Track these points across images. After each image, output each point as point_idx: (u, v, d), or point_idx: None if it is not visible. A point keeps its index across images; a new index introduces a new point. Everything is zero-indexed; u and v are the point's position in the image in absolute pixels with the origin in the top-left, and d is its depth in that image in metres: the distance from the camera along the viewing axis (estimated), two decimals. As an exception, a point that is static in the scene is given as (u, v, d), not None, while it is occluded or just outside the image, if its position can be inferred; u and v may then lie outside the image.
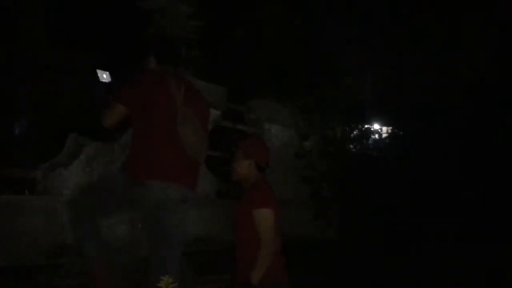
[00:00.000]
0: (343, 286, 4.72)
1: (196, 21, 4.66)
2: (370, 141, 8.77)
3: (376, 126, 10.26)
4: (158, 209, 2.62)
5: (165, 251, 2.67)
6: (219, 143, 5.04)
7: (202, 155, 2.81)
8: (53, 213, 3.14)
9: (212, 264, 4.03)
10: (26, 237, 2.98)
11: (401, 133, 9.10)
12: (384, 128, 9.96)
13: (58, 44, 6.09)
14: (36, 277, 3.01)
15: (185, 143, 2.59)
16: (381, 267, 5.08)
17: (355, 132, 8.55)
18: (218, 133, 4.81)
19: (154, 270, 2.60)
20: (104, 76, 2.69)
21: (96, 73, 2.67)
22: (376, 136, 8.96)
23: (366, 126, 9.06)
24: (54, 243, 3.11)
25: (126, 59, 2.74)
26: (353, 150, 8.41)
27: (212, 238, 4.24)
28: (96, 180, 2.85)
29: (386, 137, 9.29)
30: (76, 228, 2.69)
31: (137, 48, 2.81)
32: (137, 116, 2.68)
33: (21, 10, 6.54)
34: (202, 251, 4.08)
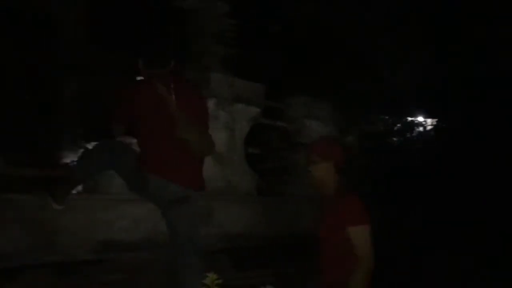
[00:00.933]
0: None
1: (232, 19, 4.69)
2: (414, 134, 8.60)
3: (420, 119, 10.02)
4: (159, 204, 2.76)
5: (176, 246, 2.79)
6: (259, 141, 5.08)
7: (209, 150, 2.87)
8: (100, 211, 3.25)
9: (253, 260, 4.06)
10: (75, 233, 3.10)
11: (446, 125, 8.86)
12: (429, 120, 9.73)
13: (99, 45, 6.27)
14: (84, 272, 3.12)
15: (189, 144, 2.68)
16: (419, 264, 4.95)
17: (398, 126, 8.40)
18: (258, 130, 4.84)
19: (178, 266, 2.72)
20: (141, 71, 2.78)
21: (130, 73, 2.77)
22: (420, 128, 8.77)
23: (409, 119, 8.88)
24: (101, 239, 3.22)
25: (162, 59, 2.80)
26: (396, 143, 8.27)
27: (253, 234, 4.27)
28: (123, 145, 2.92)
29: (430, 130, 9.08)
30: (89, 158, 2.78)
31: (173, 48, 2.87)
32: (138, 119, 2.80)
33: (64, 13, 6.76)
34: (243, 247, 4.11)
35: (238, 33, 4.77)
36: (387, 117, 8.37)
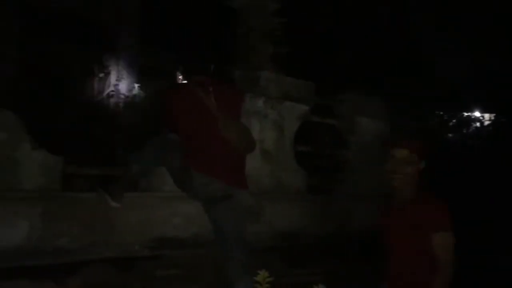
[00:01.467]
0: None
1: (281, 18, 4.70)
2: (470, 130, 8.31)
3: (477, 114, 9.65)
4: (203, 202, 2.82)
5: (220, 243, 2.85)
6: (309, 139, 5.06)
7: (250, 147, 2.93)
8: (155, 208, 3.37)
9: (303, 259, 4.06)
10: (131, 230, 3.22)
11: (505, 120, 8.48)
12: (486, 115, 9.35)
13: (152, 48, 6.45)
14: (140, 268, 3.24)
15: (230, 142, 2.77)
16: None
17: (453, 121, 8.14)
18: (307, 128, 4.82)
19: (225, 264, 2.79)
20: (181, 78, 2.90)
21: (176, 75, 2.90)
22: (478, 124, 8.45)
23: (466, 114, 8.58)
24: (155, 236, 3.33)
25: (202, 65, 2.92)
26: (452, 139, 8.01)
27: (303, 232, 4.27)
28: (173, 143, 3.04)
29: (488, 125, 8.73)
30: (142, 156, 2.89)
31: (223, 48, 2.96)
32: (179, 122, 2.89)
33: (118, 19, 6.99)
34: (294, 246, 4.13)
35: (288, 31, 4.77)
36: (442, 113, 8.12)
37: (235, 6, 4.77)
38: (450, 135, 8.24)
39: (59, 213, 2.95)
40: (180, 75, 2.85)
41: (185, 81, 2.86)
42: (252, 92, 4.00)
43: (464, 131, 8.36)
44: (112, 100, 6.43)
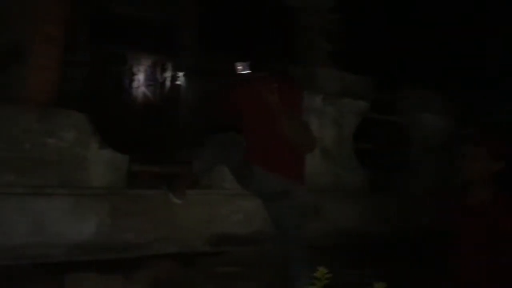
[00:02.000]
0: None
1: (338, 14, 4.64)
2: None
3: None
4: (262, 197, 2.83)
5: (279, 239, 2.85)
6: (369, 136, 4.97)
7: (311, 146, 2.91)
8: (215, 205, 3.43)
9: (364, 257, 3.99)
10: (193, 226, 3.30)
11: None
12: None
13: (210, 48, 6.56)
14: (202, 264, 3.32)
15: (292, 141, 2.78)
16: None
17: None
18: (367, 125, 4.73)
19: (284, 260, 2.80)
20: (240, 68, 2.91)
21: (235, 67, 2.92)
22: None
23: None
24: (216, 232, 3.39)
25: (265, 62, 2.95)
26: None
27: (363, 231, 4.20)
28: (232, 140, 3.09)
29: None
30: (203, 153, 2.97)
31: (277, 50, 2.98)
32: (242, 117, 2.96)
33: (177, 20, 7.16)
34: (354, 244, 4.06)
35: (345, 26, 4.71)
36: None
37: (290, 5, 4.77)
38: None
39: (125, 209, 3.07)
40: (240, 68, 2.88)
41: (249, 77, 2.90)
42: (310, 89, 3.98)
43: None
44: (174, 100, 6.61)
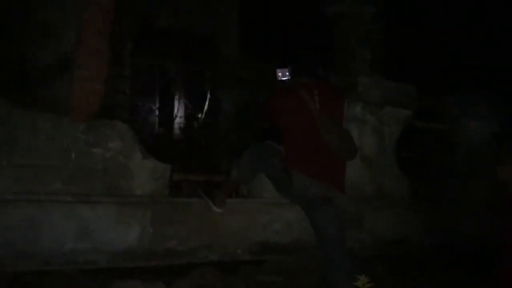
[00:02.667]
0: None
1: (380, 22, 4.60)
2: None
3: None
4: (303, 205, 2.80)
5: (321, 247, 2.84)
6: (413, 144, 4.87)
7: (351, 154, 2.88)
8: (255, 214, 3.44)
9: (407, 267, 3.90)
10: (234, 235, 3.32)
11: None
12: None
13: (250, 57, 6.61)
14: (243, 272, 3.32)
15: (331, 148, 2.78)
16: None
17: None
18: (411, 133, 4.64)
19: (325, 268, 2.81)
20: (280, 74, 2.95)
21: (275, 73, 2.95)
22: None
23: None
24: (257, 241, 3.40)
25: (309, 68, 2.96)
26: None
27: (407, 241, 4.11)
28: (270, 148, 3.10)
29: None
30: (241, 162, 3.01)
31: (319, 56, 2.98)
32: (282, 123, 2.94)
33: (218, 32, 7.26)
34: (397, 254, 3.98)
35: (387, 34, 4.66)
36: None
37: (331, 14, 4.76)
38: None
39: (167, 217, 3.12)
40: (280, 74, 2.92)
41: (290, 84, 2.92)
42: (350, 98, 3.95)
43: None
44: (214, 110, 6.69)
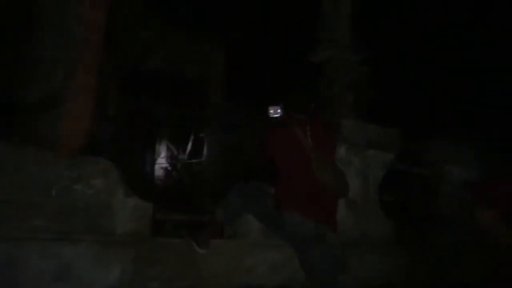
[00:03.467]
0: None
1: (365, 67, 4.72)
2: None
3: None
4: (295, 244, 2.76)
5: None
6: (395, 188, 4.90)
7: (344, 191, 2.87)
8: (240, 256, 3.37)
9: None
10: (218, 277, 3.24)
11: None
12: None
13: (236, 102, 6.70)
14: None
15: (325, 186, 2.76)
16: None
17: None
18: (393, 176, 4.68)
19: None
20: (272, 111, 2.96)
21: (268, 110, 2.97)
22: None
23: None
24: (241, 283, 3.32)
25: (302, 104, 2.98)
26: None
27: (393, 285, 4.05)
28: (258, 188, 3.08)
29: None
30: (227, 203, 2.95)
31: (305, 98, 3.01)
32: (277, 160, 2.94)
33: (205, 76, 7.38)
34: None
35: (372, 79, 4.77)
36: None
37: (317, 61, 4.87)
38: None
39: (149, 257, 3.04)
40: (272, 112, 2.93)
41: (283, 120, 2.93)
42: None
43: None
44: (198, 152, 6.70)
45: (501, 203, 2.29)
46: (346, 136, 4.10)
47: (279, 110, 2.94)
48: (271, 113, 2.94)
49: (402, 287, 4.10)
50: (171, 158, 6.53)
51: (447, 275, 4.45)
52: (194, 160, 6.29)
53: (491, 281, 2.40)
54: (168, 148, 6.94)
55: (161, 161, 6.44)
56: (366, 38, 4.72)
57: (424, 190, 4.96)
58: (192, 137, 7.19)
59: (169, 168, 6.04)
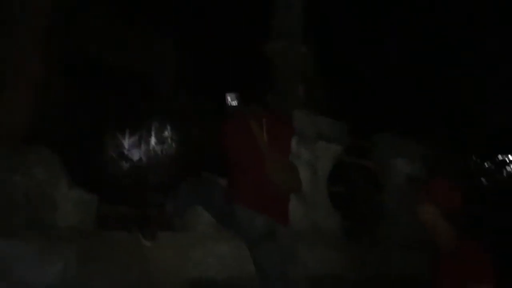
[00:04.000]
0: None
1: (315, 60, 4.75)
2: (505, 174, 8.09)
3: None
4: (246, 238, 2.74)
5: (264, 283, 2.75)
6: (343, 180, 4.99)
7: (296, 187, 2.85)
8: (189, 249, 3.32)
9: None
10: (165, 271, 3.17)
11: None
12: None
13: (186, 92, 6.61)
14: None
15: (277, 182, 2.71)
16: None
17: (489, 165, 7.95)
18: (341, 168, 4.76)
19: None
20: (229, 99, 2.90)
21: (225, 97, 2.90)
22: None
23: (502, 157, 8.39)
24: (189, 277, 3.27)
25: (257, 96, 2.92)
26: (487, 184, 7.79)
27: (340, 277, 4.12)
28: (209, 182, 3.04)
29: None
30: (177, 196, 2.88)
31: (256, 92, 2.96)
32: (230, 152, 2.85)
33: (154, 67, 7.23)
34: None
35: (323, 72, 4.82)
36: (477, 156, 7.95)
37: (269, 53, 4.85)
38: (485, 179, 8.01)
39: (93, 251, 2.93)
40: (230, 99, 2.85)
41: (241, 111, 2.86)
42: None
43: (499, 175, 8.13)
44: (146, 144, 6.55)
45: (443, 202, 2.36)
46: (296, 128, 4.11)
47: (235, 99, 2.88)
48: (228, 100, 2.88)
49: (348, 278, 4.18)
50: (118, 149, 6.34)
51: (390, 268, 4.58)
52: (142, 151, 6.14)
53: (430, 276, 2.47)
54: (115, 139, 6.74)
55: (108, 152, 6.25)
56: (317, 31, 4.75)
57: (370, 183, 5.07)
58: (140, 128, 7.03)
59: (116, 159, 5.87)
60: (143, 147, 6.66)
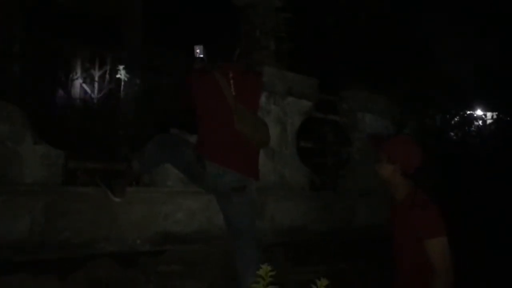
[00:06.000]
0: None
1: (286, 14, 4.68)
2: (472, 128, 8.29)
3: (479, 112, 9.68)
4: (216, 194, 2.79)
5: (233, 236, 2.84)
6: (312, 135, 5.04)
7: (265, 141, 2.88)
8: (157, 204, 3.35)
9: (306, 255, 4.05)
10: (134, 225, 3.21)
11: (508, 118, 8.46)
12: (489, 114, 9.36)
13: (156, 44, 6.44)
14: (143, 263, 3.23)
15: (245, 135, 2.74)
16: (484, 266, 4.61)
17: (456, 119, 8.12)
18: (310, 124, 4.80)
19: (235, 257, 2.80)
20: (198, 51, 2.83)
21: (193, 49, 2.82)
22: (480, 122, 8.43)
23: (468, 112, 8.57)
24: (158, 231, 3.32)
25: (225, 51, 2.86)
26: (454, 138, 8.00)
27: (306, 229, 4.26)
28: (178, 138, 3.05)
29: (491, 123, 8.72)
30: (145, 152, 2.91)
31: (228, 44, 2.91)
32: (198, 107, 2.83)
33: (121, 16, 6.99)
34: (296, 242, 4.11)
35: (292, 26, 4.75)
36: (445, 111, 8.10)
37: (240, 5, 4.75)
38: (452, 133, 8.22)
39: (61, 207, 2.94)
40: (197, 51, 2.78)
41: (207, 65, 2.81)
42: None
43: (467, 130, 8.33)
44: (114, 97, 6.43)
45: (401, 160, 2.43)
46: (266, 84, 4.10)
47: (203, 52, 2.82)
48: (197, 52, 2.81)
49: (315, 230, 4.32)
50: (84, 101, 6.21)
51: (355, 219, 4.75)
52: (109, 104, 6.03)
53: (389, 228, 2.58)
54: (81, 90, 6.59)
55: (74, 105, 6.10)
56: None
57: (338, 137, 5.14)
58: (107, 79, 6.88)
59: (83, 111, 5.76)
60: (110, 98, 6.54)
